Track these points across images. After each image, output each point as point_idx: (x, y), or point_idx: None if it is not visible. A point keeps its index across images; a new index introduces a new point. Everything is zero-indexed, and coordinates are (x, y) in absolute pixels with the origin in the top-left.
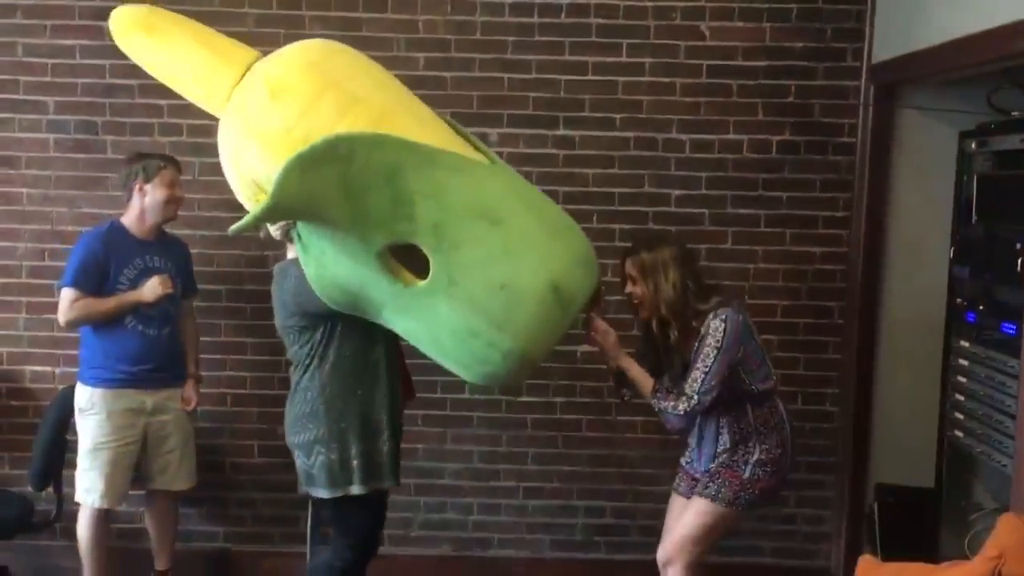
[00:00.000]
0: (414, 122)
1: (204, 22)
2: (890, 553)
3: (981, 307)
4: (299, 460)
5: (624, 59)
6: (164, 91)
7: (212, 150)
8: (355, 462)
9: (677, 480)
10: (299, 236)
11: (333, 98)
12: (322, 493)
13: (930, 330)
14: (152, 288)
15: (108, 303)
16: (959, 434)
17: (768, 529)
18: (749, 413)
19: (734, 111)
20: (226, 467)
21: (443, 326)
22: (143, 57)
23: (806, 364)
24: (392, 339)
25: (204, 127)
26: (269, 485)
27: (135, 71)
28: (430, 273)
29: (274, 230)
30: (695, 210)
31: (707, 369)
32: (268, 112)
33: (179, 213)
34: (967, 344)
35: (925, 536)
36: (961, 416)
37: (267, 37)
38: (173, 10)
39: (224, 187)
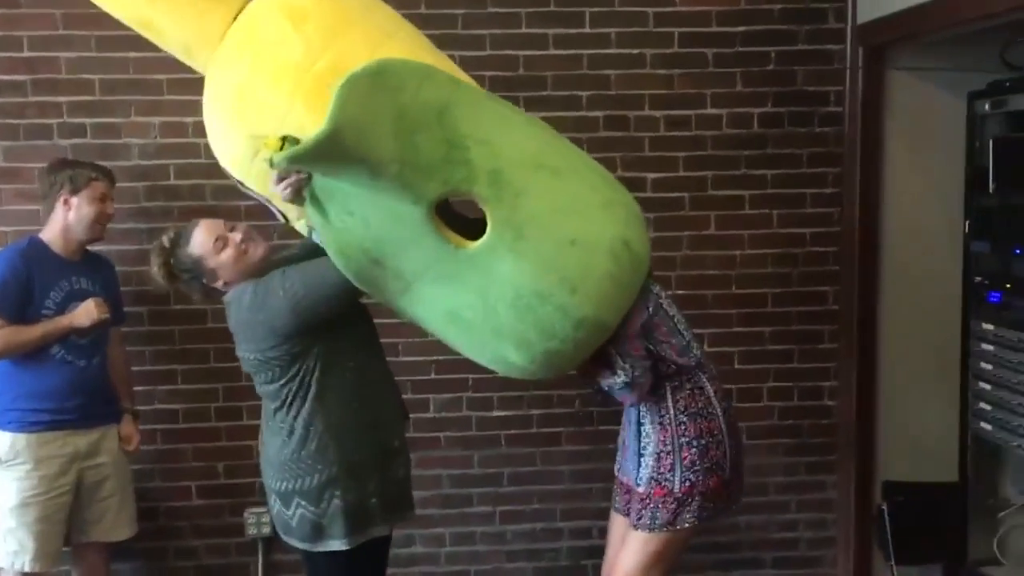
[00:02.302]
0: (444, 65)
1: None
2: (904, 556)
3: (1008, 285)
4: (300, 511)
5: (588, 30)
6: (62, 87)
7: (122, 152)
8: (374, 499)
9: (614, 494)
10: (314, 201)
11: (363, 30)
12: (338, 545)
13: (939, 312)
14: (88, 312)
15: (35, 331)
16: (986, 426)
17: (769, 538)
18: (668, 397)
19: (711, 83)
20: (160, 513)
21: (503, 291)
22: None
23: (800, 356)
24: (380, 347)
25: (112, 126)
26: (211, 530)
27: (25, 64)
28: (489, 228)
29: (281, 189)
30: (674, 194)
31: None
32: (290, 42)
33: None
34: (991, 327)
35: (944, 536)
36: (988, 406)
37: None
38: None
39: (141, 195)
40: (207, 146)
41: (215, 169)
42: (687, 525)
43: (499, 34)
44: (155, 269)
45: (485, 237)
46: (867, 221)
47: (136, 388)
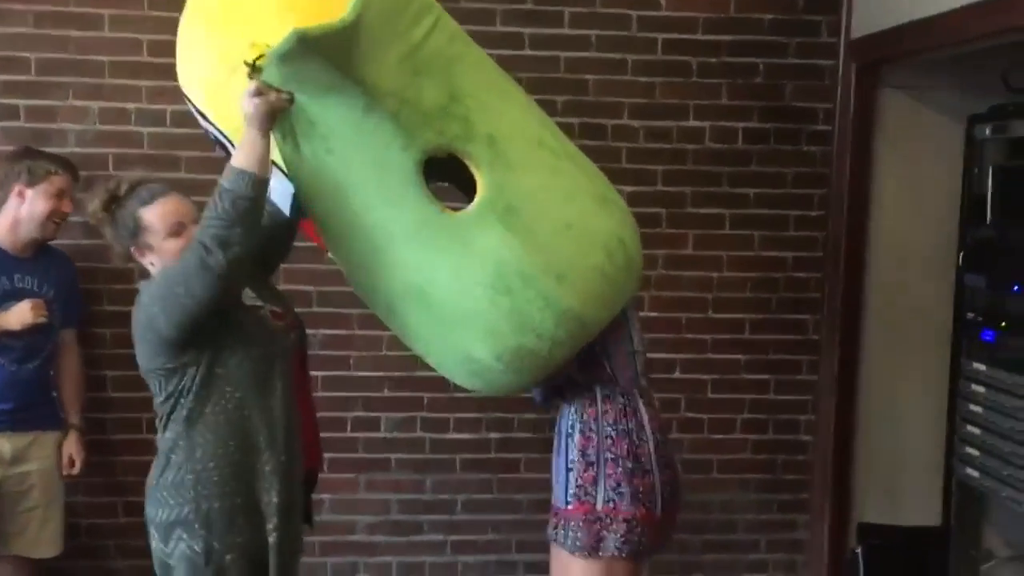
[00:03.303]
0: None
1: None
2: None
3: (1003, 324)
4: (153, 542)
5: (567, 31)
6: None
7: (57, 138)
8: (229, 556)
9: (549, 524)
10: (288, 131)
11: None
12: None
13: (926, 347)
14: (20, 315)
15: None
16: (972, 472)
17: None
18: (598, 404)
19: (694, 93)
20: (83, 531)
21: (483, 268)
22: None
23: (777, 387)
24: (290, 383)
25: (48, 109)
26: (139, 551)
27: None
28: (480, 194)
29: (255, 106)
30: (651, 210)
31: None
32: None
33: None
34: (983, 367)
35: None
36: (976, 452)
37: None
38: None
39: (77, 186)
40: (151, 135)
41: (158, 160)
42: (610, 553)
43: (472, 31)
44: (96, 201)
45: (475, 203)
46: (853, 247)
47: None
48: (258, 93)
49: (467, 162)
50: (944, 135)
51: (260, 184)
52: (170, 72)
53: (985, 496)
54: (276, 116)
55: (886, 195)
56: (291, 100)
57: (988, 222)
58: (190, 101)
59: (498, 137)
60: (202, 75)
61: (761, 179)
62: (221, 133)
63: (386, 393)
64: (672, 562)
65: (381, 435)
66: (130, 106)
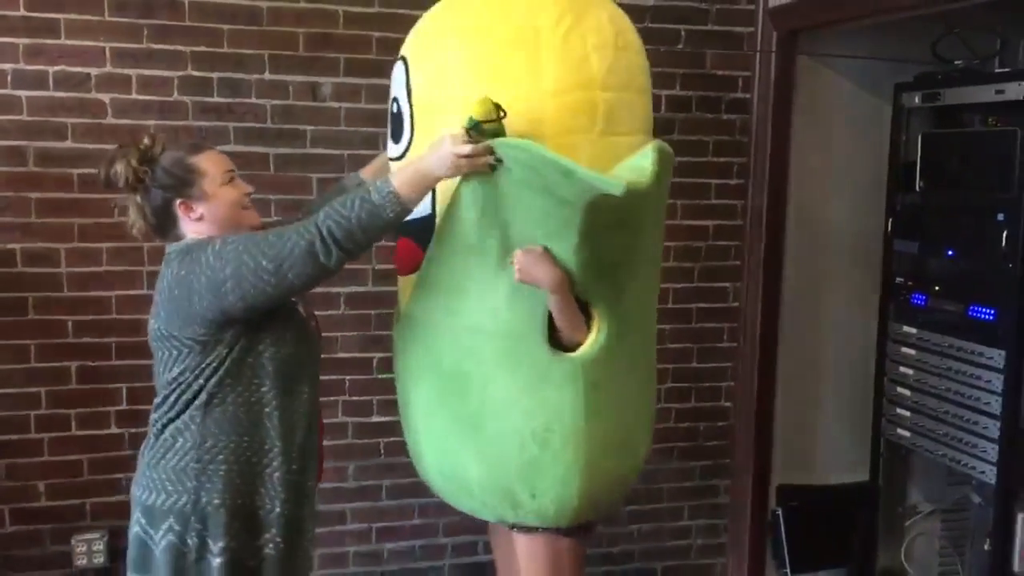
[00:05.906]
0: None
1: None
2: (802, 564)
3: (936, 288)
4: (137, 527)
5: None
6: None
7: None
8: (217, 560)
9: None
10: (469, 189)
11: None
12: None
13: (845, 313)
14: None
15: None
16: (903, 432)
17: (661, 547)
18: None
19: None
20: None
21: (539, 410)
22: None
23: (700, 355)
24: (316, 392)
25: None
26: (30, 562)
27: None
28: (582, 352)
29: (461, 151)
30: None
31: None
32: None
33: None
34: (914, 330)
35: (845, 543)
36: (906, 412)
37: None
38: None
39: None
40: (31, 99)
41: (42, 128)
42: (559, 532)
43: None
44: (120, 166)
45: (574, 356)
46: (773, 215)
47: None
48: (470, 154)
49: (592, 322)
50: (866, 104)
51: (402, 215)
52: (52, 29)
53: (911, 454)
54: (468, 166)
55: (806, 163)
56: (496, 165)
57: (917, 189)
58: (405, 64)
59: (629, 321)
60: (442, 67)
61: (683, 147)
62: (411, 111)
63: None
64: (599, 535)
65: None
66: (6, 67)
